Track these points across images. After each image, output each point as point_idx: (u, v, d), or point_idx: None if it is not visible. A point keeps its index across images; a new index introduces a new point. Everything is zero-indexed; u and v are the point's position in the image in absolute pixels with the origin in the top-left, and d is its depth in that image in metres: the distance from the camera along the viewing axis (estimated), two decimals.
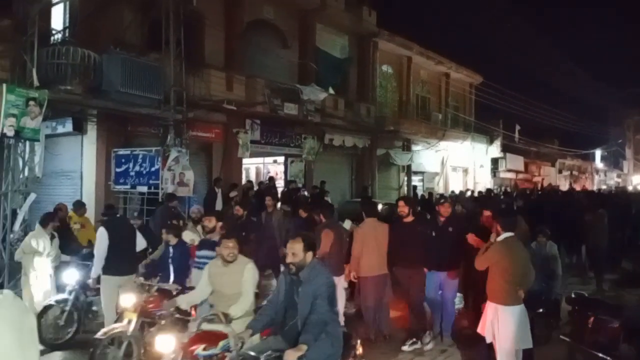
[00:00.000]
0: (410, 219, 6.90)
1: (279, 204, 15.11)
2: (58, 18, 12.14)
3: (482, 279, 5.56)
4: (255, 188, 15.37)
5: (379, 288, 6.93)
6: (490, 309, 5.24)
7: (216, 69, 14.66)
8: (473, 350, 5.94)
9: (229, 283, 4.94)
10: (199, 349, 4.31)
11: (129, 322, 5.42)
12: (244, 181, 16.70)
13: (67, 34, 11.85)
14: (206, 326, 4.52)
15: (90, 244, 8.13)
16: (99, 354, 5.42)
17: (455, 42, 33.97)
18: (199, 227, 7.80)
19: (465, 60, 28.14)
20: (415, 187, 22.47)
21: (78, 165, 12.73)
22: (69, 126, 12.21)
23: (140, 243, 7.32)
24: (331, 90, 18.87)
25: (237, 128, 15.00)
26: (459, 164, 28.33)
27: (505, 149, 31.55)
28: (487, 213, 6.59)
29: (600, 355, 5.30)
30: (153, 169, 11.39)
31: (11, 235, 9.45)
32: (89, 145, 12.52)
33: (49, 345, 6.78)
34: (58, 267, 7.63)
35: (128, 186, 11.78)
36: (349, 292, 8.14)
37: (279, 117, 15.99)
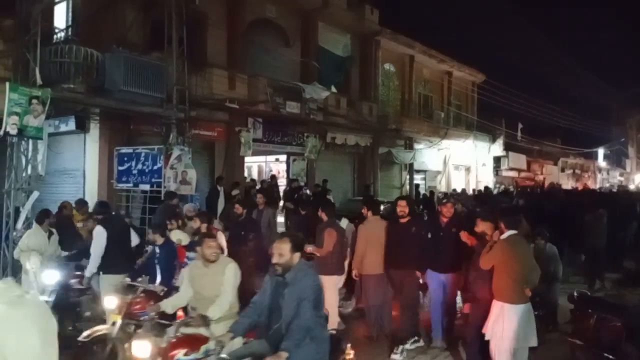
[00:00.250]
0: (406, 219, 6.75)
1: (281, 203, 15.28)
2: (61, 17, 12.16)
3: (476, 280, 5.56)
4: (258, 187, 15.40)
5: (382, 286, 6.90)
6: (496, 308, 5.18)
7: (218, 67, 14.67)
8: (474, 350, 5.87)
9: (209, 284, 4.78)
10: (179, 354, 4.15)
11: (113, 323, 5.25)
12: (249, 179, 16.76)
13: (69, 33, 11.87)
14: (185, 330, 4.37)
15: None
16: (83, 356, 5.27)
17: (457, 41, 33.90)
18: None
19: (468, 59, 28.17)
20: (417, 186, 22.50)
21: (81, 164, 12.75)
22: (71, 124, 12.22)
23: (134, 239, 7.32)
24: (333, 89, 18.84)
25: (239, 126, 15.02)
26: (462, 163, 28.31)
27: (507, 147, 31.51)
28: (481, 226, 5.76)
29: (603, 354, 5.31)
30: (155, 167, 11.39)
31: (14, 233, 9.48)
32: (91, 143, 12.55)
33: None
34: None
35: (130, 184, 11.78)
36: (344, 291, 8.14)
37: (281, 115, 16.00)
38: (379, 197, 16.82)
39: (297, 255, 4.09)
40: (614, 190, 26.75)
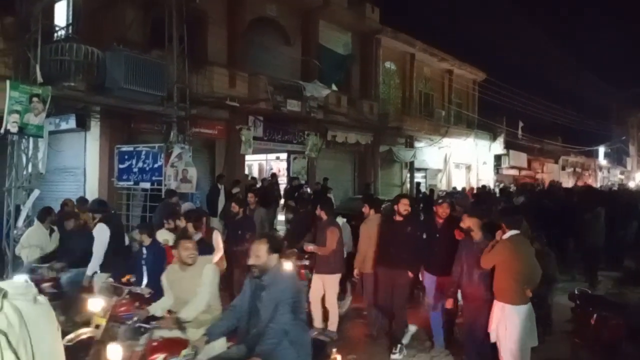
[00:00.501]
0: (400, 218, 6.57)
1: (282, 201, 15.27)
2: (61, 15, 12.16)
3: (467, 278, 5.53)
4: (259, 185, 15.40)
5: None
6: (497, 308, 5.15)
7: (219, 66, 14.67)
8: (468, 351, 5.83)
9: (188, 288, 4.60)
10: (158, 359, 4.03)
11: (98, 326, 5.08)
12: (250, 178, 16.75)
13: (70, 31, 11.88)
14: (167, 333, 4.23)
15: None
16: None
17: (458, 39, 33.86)
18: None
19: (469, 57, 28.16)
20: (418, 184, 22.48)
21: (81, 162, 12.76)
22: (72, 123, 12.23)
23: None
24: (334, 87, 18.87)
25: (240, 125, 15.01)
26: (462, 161, 28.31)
27: (508, 145, 31.50)
28: (467, 222, 5.65)
29: (603, 352, 5.31)
30: (156, 165, 11.40)
31: (15, 231, 9.51)
32: (92, 141, 12.55)
33: None
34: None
35: (131, 182, 11.79)
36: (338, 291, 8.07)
37: (281, 113, 16.00)
38: (380, 196, 16.81)
39: (275, 256, 3.96)
40: (614, 188, 26.70)
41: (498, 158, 31.18)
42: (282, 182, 17.04)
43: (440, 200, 6.85)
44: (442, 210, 6.53)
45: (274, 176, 16.33)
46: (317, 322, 6.95)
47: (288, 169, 18.21)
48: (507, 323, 5.05)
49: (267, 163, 20.17)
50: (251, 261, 3.92)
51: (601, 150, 47.62)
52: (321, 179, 17.18)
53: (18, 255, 7.84)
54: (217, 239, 7.40)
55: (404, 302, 6.63)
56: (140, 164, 11.59)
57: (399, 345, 6.37)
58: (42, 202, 10.03)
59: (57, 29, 11.71)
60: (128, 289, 5.50)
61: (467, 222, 5.60)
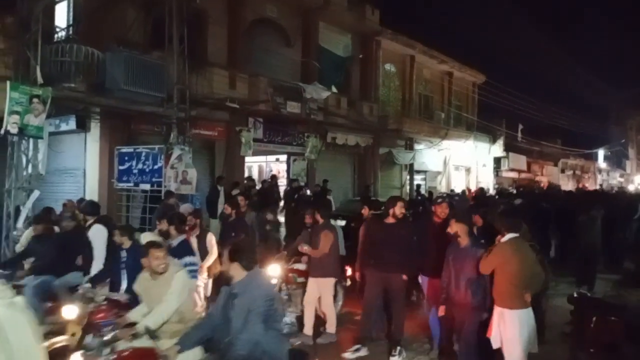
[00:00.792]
0: (392, 220, 6.44)
1: (281, 203, 15.26)
2: (62, 16, 12.17)
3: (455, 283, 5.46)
4: (259, 186, 15.39)
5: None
6: (497, 313, 5.11)
7: (219, 67, 14.68)
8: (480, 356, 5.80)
9: (158, 297, 4.43)
10: None
11: (73, 335, 4.87)
12: (249, 179, 16.71)
13: (70, 32, 11.87)
14: (129, 343, 4.05)
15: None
16: None
17: (458, 42, 33.94)
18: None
19: (469, 60, 28.18)
20: (419, 186, 22.48)
21: (81, 163, 12.75)
22: (72, 124, 12.23)
23: None
24: (334, 89, 18.85)
25: (239, 126, 15.01)
26: (462, 163, 28.32)
27: (508, 148, 31.52)
28: (454, 227, 5.54)
29: (602, 354, 5.31)
30: (156, 166, 11.39)
31: (14, 232, 9.50)
32: (92, 142, 12.55)
33: None
34: None
35: (131, 184, 11.78)
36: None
37: (281, 115, 16.01)
38: (379, 198, 16.81)
39: (235, 265, 3.83)
40: (612, 192, 26.72)
41: (497, 160, 31.19)
42: (282, 184, 17.04)
43: (439, 200, 6.81)
44: (441, 210, 6.49)
45: (274, 178, 16.33)
46: (308, 328, 6.90)
47: (288, 171, 18.21)
48: (507, 328, 5.00)
49: (266, 165, 20.16)
50: (222, 268, 3.88)
51: (600, 153, 47.66)
52: (321, 180, 17.18)
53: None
54: (212, 241, 7.39)
55: (402, 305, 6.59)
56: (140, 165, 11.58)
57: (398, 348, 6.36)
58: (42, 203, 10.03)
59: (57, 29, 11.71)
60: (105, 295, 5.33)
61: (454, 227, 5.48)
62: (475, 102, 30.05)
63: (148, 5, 12.98)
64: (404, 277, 6.42)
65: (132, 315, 4.61)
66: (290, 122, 16.81)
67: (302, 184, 16.79)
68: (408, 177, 23.99)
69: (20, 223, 9.56)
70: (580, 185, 32.22)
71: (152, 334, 4.00)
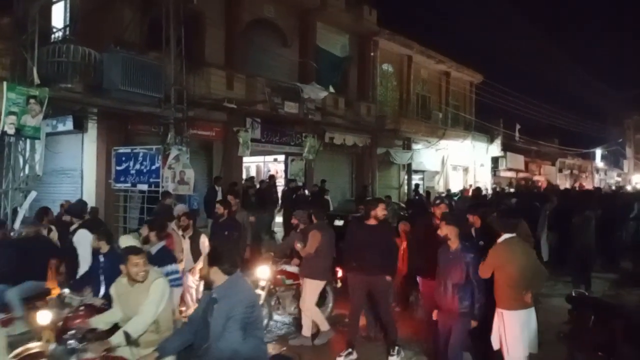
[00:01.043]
0: (374, 222, 6.32)
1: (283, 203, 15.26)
2: (58, 16, 12.15)
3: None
4: (257, 186, 15.38)
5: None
6: (497, 315, 5.07)
7: (216, 67, 14.67)
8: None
9: (135, 305, 4.25)
10: None
11: (47, 341, 4.68)
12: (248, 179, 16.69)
13: (67, 32, 11.86)
14: (93, 354, 3.88)
15: None
16: None
17: (455, 41, 33.96)
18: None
19: (466, 59, 28.18)
20: (417, 186, 22.49)
21: (78, 164, 12.74)
22: (69, 124, 12.22)
23: None
24: (331, 89, 18.88)
25: (237, 127, 15.01)
26: (460, 163, 28.33)
27: (505, 147, 31.55)
28: (444, 229, 5.35)
29: (600, 354, 5.30)
30: (153, 167, 11.39)
31: (11, 233, 9.47)
32: (89, 143, 12.53)
33: None
34: None
35: (128, 184, 11.78)
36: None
37: (279, 115, 16.00)
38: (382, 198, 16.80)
39: (215, 269, 3.69)
40: (609, 191, 26.71)
41: (495, 160, 31.21)
42: (280, 184, 17.04)
43: (437, 201, 6.74)
44: (440, 212, 6.37)
45: (272, 178, 16.33)
46: (307, 330, 6.81)
47: (285, 171, 18.21)
48: (506, 329, 4.98)
49: (264, 165, 20.16)
50: (202, 272, 3.77)
51: (598, 152, 47.72)
52: (319, 181, 17.19)
53: None
54: (205, 243, 7.37)
55: (389, 306, 6.53)
56: (137, 166, 11.58)
57: (396, 347, 6.34)
58: (39, 204, 10.00)
59: (54, 30, 11.69)
60: (81, 300, 5.21)
61: (444, 229, 5.28)
62: (473, 101, 30.06)
63: (145, 6, 12.97)
64: (388, 278, 6.34)
65: (94, 320, 4.44)
66: (287, 122, 16.80)
67: (300, 184, 16.80)
68: (406, 177, 24.00)
69: (17, 224, 9.54)
70: (578, 185, 32.20)
71: (133, 341, 3.85)
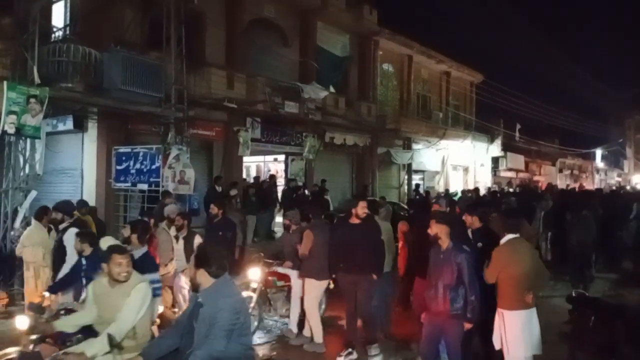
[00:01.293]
0: (357, 221, 6.29)
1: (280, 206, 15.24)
2: (59, 16, 12.16)
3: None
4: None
5: (381, 287, 6.71)
6: (498, 316, 5.04)
7: (217, 67, 14.66)
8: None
9: (113, 307, 4.05)
10: None
11: (24, 346, 4.49)
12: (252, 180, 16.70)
13: (68, 32, 11.87)
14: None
15: None
16: None
17: (456, 41, 33.97)
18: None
19: (466, 59, 28.18)
20: (417, 186, 22.49)
21: (79, 163, 12.74)
22: (69, 124, 12.22)
23: None
24: (332, 89, 18.87)
25: (237, 126, 15.00)
26: (460, 163, 28.32)
27: (505, 147, 31.51)
28: (435, 228, 5.21)
29: (601, 354, 5.30)
30: (154, 166, 11.39)
31: (12, 233, 9.48)
32: (89, 143, 12.53)
33: None
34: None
35: (129, 184, 11.78)
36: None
37: (279, 115, 16.00)
38: (377, 198, 16.80)
39: (202, 272, 3.57)
40: (608, 191, 26.68)
41: (495, 160, 31.17)
42: (280, 184, 17.04)
43: (434, 200, 6.77)
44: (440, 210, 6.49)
45: (272, 178, 16.33)
46: (318, 336, 6.74)
47: (286, 171, 18.20)
48: (507, 330, 4.95)
49: (264, 165, 20.16)
50: (189, 274, 3.65)
51: (598, 152, 47.67)
52: (319, 180, 17.19)
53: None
54: (198, 241, 7.32)
55: (369, 306, 6.44)
56: (137, 166, 11.58)
57: (349, 350, 6.31)
58: (39, 204, 9.97)
59: (54, 29, 11.69)
60: (62, 304, 5.09)
61: (435, 228, 5.14)
62: (473, 101, 30.05)
63: (146, 5, 12.98)
64: (374, 276, 6.30)
65: (59, 323, 4.27)
66: (288, 122, 16.79)
67: (300, 184, 16.80)
68: (406, 177, 24.00)
69: (17, 223, 9.55)
70: (578, 185, 32.18)
71: (116, 345, 3.72)
